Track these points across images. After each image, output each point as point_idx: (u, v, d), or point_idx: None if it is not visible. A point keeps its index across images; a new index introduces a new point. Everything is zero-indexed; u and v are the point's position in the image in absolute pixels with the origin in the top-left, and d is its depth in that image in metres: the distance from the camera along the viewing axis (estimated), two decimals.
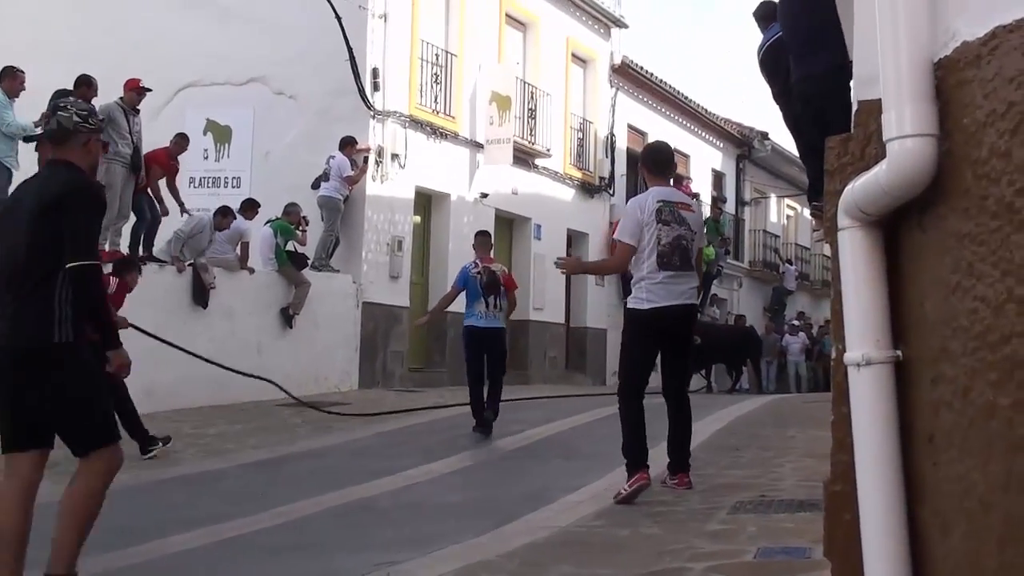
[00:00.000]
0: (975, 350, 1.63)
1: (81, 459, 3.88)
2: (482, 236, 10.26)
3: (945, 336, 1.75)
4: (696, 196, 14.60)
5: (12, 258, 3.87)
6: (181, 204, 12.18)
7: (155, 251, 11.65)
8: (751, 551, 4.21)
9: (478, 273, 9.55)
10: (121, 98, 10.77)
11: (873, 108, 1.91)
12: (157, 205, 11.62)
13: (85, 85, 10.01)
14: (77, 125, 4.03)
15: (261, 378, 11.07)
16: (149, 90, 11.01)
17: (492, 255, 10.32)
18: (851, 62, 2.24)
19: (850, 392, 1.97)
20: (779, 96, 5.85)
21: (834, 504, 2.09)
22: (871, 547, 1.90)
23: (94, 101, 10.09)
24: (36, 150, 4.04)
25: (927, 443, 1.84)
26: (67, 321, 3.80)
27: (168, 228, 12.05)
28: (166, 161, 11.75)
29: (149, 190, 11.44)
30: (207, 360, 10.51)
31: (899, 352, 1.94)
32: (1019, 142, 1.48)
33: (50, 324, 3.79)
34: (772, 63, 5.79)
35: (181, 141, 12.13)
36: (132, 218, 11.25)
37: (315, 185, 13.84)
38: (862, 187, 1.89)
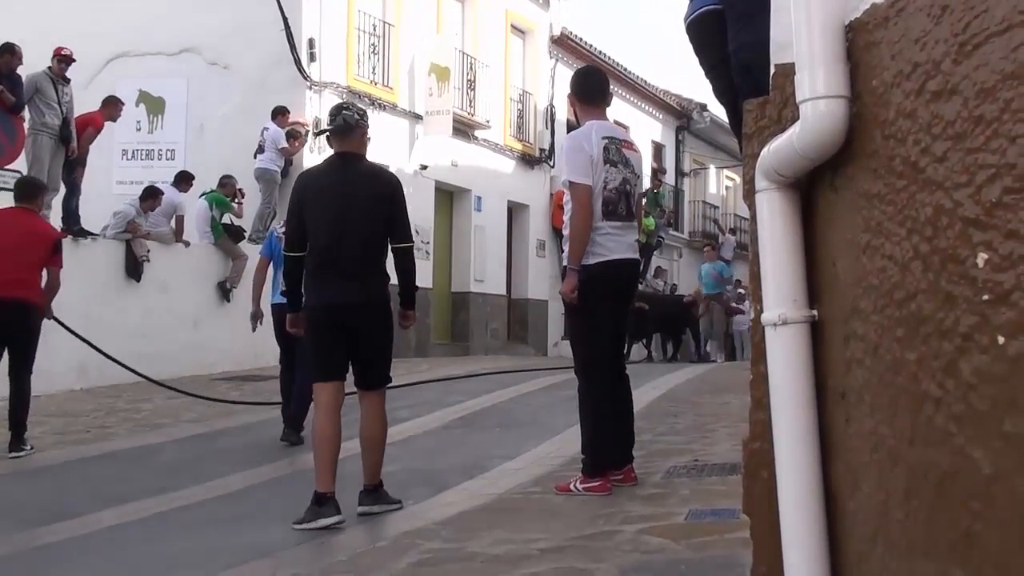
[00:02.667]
0: (884, 307, 1.66)
1: (372, 392, 5.22)
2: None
3: (856, 295, 1.78)
4: None
5: (356, 235, 5.07)
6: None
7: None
8: (683, 513, 4.28)
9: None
10: (49, 67, 10.51)
11: (789, 71, 1.93)
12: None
13: (9, 53, 9.78)
14: (357, 122, 5.25)
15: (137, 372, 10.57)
16: (73, 59, 10.73)
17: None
18: None
19: (767, 351, 2.00)
20: (711, 70, 5.71)
21: (752, 461, 2.13)
22: (787, 503, 1.93)
23: (20, 70, 9.87)
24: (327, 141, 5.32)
25: (840, 400, 1.88)
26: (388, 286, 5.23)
27: (94, 201, 11.79)
28: (101, 124, 11.49)
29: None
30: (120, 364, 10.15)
31: (815, 312, 1.97)
32: (923, 102, 1.50)
33: (386, 287, 5.22)
34: (701, 35, 5.61)
35: (117, 105, 11.76)
36: (62, 190, 11.00)
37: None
38: (777, 149, 1.91)
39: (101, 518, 5.39)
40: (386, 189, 5.26)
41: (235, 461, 7.03)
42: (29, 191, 7.67)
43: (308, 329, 5.23)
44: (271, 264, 7.93)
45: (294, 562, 4.21)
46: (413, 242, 5.48)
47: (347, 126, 5.23)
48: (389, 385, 5.40)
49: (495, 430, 8.09)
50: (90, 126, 11.27)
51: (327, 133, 5.35)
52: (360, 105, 5.74)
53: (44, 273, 7.47)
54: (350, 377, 5.25)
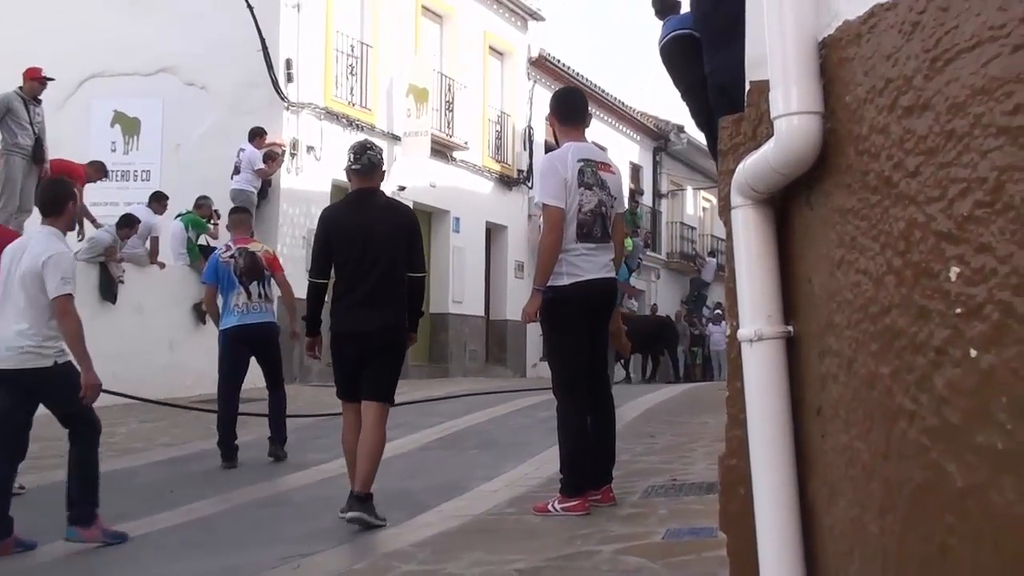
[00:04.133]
0: (858, 322, 1.67)
1: (374, 403, 5.41)
2: (238, 213, 8.68)
3: (831, 310, 1.78)
4: None
5: (377, 266, 5.41)
6: (93, 220, 11.87)
7: None
8: (661, 532, 4.27)
9: (231, 257, 7.82)
10: (20, 87, 10.43)
11: (763, 88, 1.94)
12: None
13: None
14: (380, 161, 5.66)
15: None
16: (51, 79, 10.67)
17: (254, 236, 8.78)
18: None
19: (743, 367, 2.00)
20: (686, 92, 5.71)
21: (729, 478, 2.12)
22: (764, 519, 1.93)
23: None
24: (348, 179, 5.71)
25: (816, 416, 1.88)
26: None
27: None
28: (83, 178, 11.37)
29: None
30: None
31: (790, 327, 1.98)
32: (895, 118, 1.51)
33: (403, 313, 5.55)
34: (674, 58, 5.60)
35: (99, 171, 11.75)
36: (35, 213, 10.92)
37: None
38: (752, 165, 1.92)
39: (76, 545, 5.32)
40: (403, 220, 5.67)
41: (210, 484, 6.96)
42: (61, 199, 6.77)
43: (333, 352, 5.57)
44: (218, 289, 7.83)
45: None
46: (426, 272, 5.85)
47: (372, 165, 5.61)
48: (392, 404, 5.63)
49: (473, 451, 8.05)
50: (74, 177, 11.12)
51: (351, 169, 5.62)
52: (377, 144, 6.08)
53: None
54: None
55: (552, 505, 4.99)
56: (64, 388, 5.37)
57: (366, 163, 5.59)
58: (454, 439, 8.87)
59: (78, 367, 5.37)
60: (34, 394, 5.42)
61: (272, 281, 7.96)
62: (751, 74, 2.08)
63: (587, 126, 5.56)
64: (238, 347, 7.78)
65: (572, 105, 5.50)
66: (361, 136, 15.82)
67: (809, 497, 1.92)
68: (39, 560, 4.99)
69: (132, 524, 5.70)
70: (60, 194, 5.72)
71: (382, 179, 5.80)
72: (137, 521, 5.79)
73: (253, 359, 8.08)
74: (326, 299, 5.69)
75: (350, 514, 5.19)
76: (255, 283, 7.79)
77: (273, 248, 8.77)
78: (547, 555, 4.10)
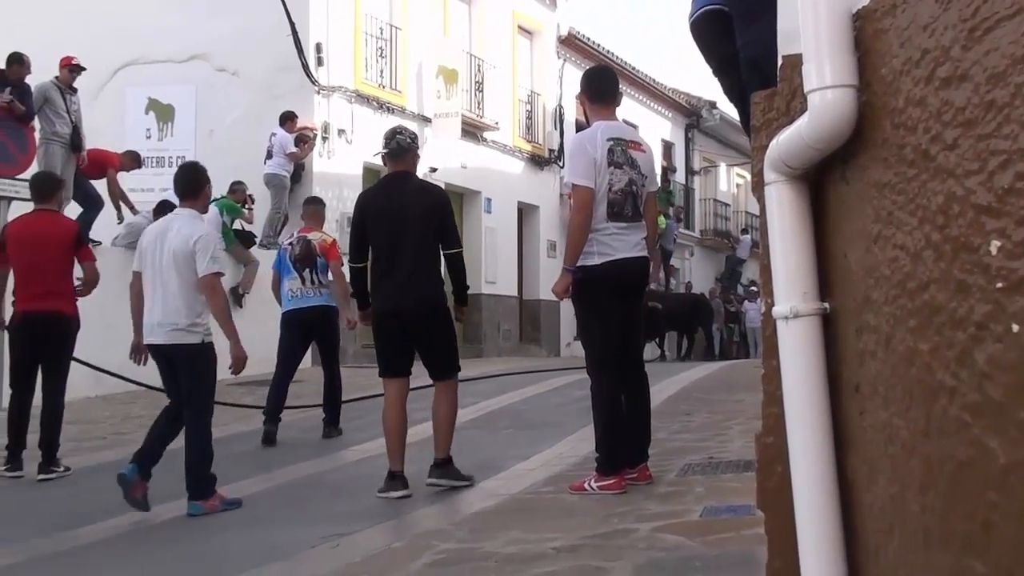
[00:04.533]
0: (896, 298, 1.64)
1: (439, 381, 5.80)
2: (311, 204, 8.88)
3: (868, 286, 1.76)
4: None
5: (411, 246, 5.63)
6: (131, 207, 12.00)
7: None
8: (697, 510, 4.26)
9: (290, 244, 8.25)
10: (56, 77, 10.54)
11: (796, 62, 1.91)
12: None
13: (17, 63, 9.81)
14: (409, 145, 5.85)
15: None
16: (84, 68, 10.77)
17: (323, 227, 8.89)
18: None
19: (779, 345, 1.98)
20: (718, 68, 5.64)
21: (766, 456, 2.11)
22: (802, 497, 1.92)
23: (28, 79, 9.91)
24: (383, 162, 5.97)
25: (854, 393, 1.86)
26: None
27: (104, 210, 11.84)
28: (117, 165, 11.52)
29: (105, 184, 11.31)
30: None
31: (826, 304, 1.96)
32: (933, 89, 1.49)
33: (439, 289, 5.76)
34: (705, 34, 5.53)
35: (134, 161, 11.95)
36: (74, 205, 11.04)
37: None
38: (786, 141, 1.89)
39: (120, 523, 5.41)
40: (434, 200, 5.92)
41: (250, 465, 7.04)
42: (46, 189, 7.11)
43: (374, 330, 5.87)
44: (280, 275, 8.24)
45: (310, 563, 4.21)
46: (462, 247, 6.08)
47: (401, 149, 5.84)
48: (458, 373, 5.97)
49: (508, 431, 8.08)
50: (108, 165, 11.27)
51: (383, 154, 5.89)
52: (411, 128, 6.41)
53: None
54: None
55: (588, 484, 5.01)
56: (202, 366, 5.82)
57: (395, 147, 5.82)
58: (489, 419, 8.90)
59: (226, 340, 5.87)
60: (176, 368, 5.81)
61: (321, 265, 8.13)
62: (784, 48, 2.05)
63: (618, 105, 5.53)
64: (292, 330, 8.12)
65: (603, 84, 5.47)
66: (392, 118, 15.86)
67: (848, 475, 1.90)
68: (79, 543, 5.07)
69: (174, 504, 5.78)
70: (196, 178, 6.12)
71: (415, 162, 5.96)
72: (180, 500, 5.86)
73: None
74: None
75: (429, 480, 5.62)
76: (308, 270, 8.07)
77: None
78: (584, 533, 4.11)
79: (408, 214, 5.67)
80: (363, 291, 5.99)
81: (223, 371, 11.32)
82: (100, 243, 11.27)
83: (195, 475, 5.65)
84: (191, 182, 6.07)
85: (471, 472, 5.84)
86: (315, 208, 8.75)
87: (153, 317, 5.75)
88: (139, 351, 6.00)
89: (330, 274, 8.18)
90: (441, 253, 5.86)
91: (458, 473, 5.69)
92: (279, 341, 8.29)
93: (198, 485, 5.63)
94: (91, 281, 7.15)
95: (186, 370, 5.78)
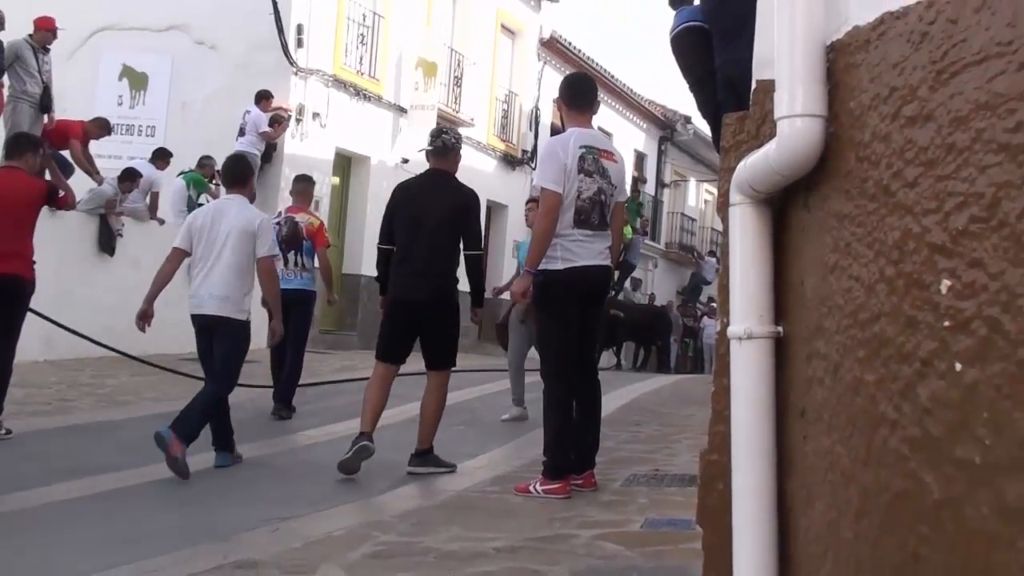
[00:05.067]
0: (847, 328, 1.67)
1: (433, 372, 6.01)
2: (301, 182, 8.70)
3: (822, 314, 1.79)
4: None
5: (432, 241, 5.84)
6: (95, 173, 11.77)
7: None
8: (639, 521, 4.29)
9: (277, 223, 8.03)
10: (30, 35, 10.39)
11: (769, 88, 1.94)
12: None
13: None
14: (453, 145, 6.12)
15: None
16: (62, 29, 10.63)
17: (313, 208, 8.96)
18: None
19: (731, 365, 2.01)
20: (695, 84, 5.66)
21: (709, 473, 2.14)
22: (741, 516, 1.94)
23: (1, 35, 9.76)
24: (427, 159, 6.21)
25: (799, 417, 1.89)
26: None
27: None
28: (81, 136, 11.23)
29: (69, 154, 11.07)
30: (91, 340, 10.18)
31: (780, 328, 1.99)
32: (899, 126, 1.52)
33: (452, 287, 5.97)
34: (685, 49, 5.54)
35: (103, 128, 11.61)
36: None
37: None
38: (753, 164, 1.92)
39: (53, 491, 5.33)
40: (464, 202, 6.09)
41: (195, 442, 6.97)
42: (15, 146, 6.99)
43: (386, 315, 6.04)
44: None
45: (248, 546, 4.18)
46: (483, 250, 6.39)
47: (445, 148, 6.10)
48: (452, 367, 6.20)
49: (459, 427, 8.06)
50: (71, 135, 10.95)
51: (427, 151, 6.15)
52: (456, 129, 6.71)
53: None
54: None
55: (534, 487, 5.03)
56: (240, 342, 6.24)
57: (439, 145, 6.09)
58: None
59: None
60: (217, 340, 6.17)
61: (307, 249, 8.19)
62: (758, 73, 2.08)
63: (594, 113, 5.58)
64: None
65: (581, 91, 5.49)
66: (368, 106, 15.80)
67: (787, 497, 1.93)
68: (8, 508, 4.99)
69: (114, 476, 5.72)
70: (244, 171, 6.65)
71: (457, 162, 6.18)
72: (119, 473, 5.80)
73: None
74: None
75: (409, 468, 5.83)
76: (292, 252, 8.15)
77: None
78: (525, 535, 4.13)
79: (435, 209, 5.86)
80: (385, 275, 6.12)
81: (173, 346, 11.22)
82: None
83: (220, 432, 6.23)
84: (239, 173, 6.56)
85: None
86: (305, 186, 8.67)
87: (207, 289, 6.11)
88: (145, 318, 6.35)
89: (316, 259, 8.25)
90: (462, 253, 6.05)
91: (439, 460, 5.91)
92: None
93: (225, 439, 6.25)
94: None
95: (227, 342, 6.15)
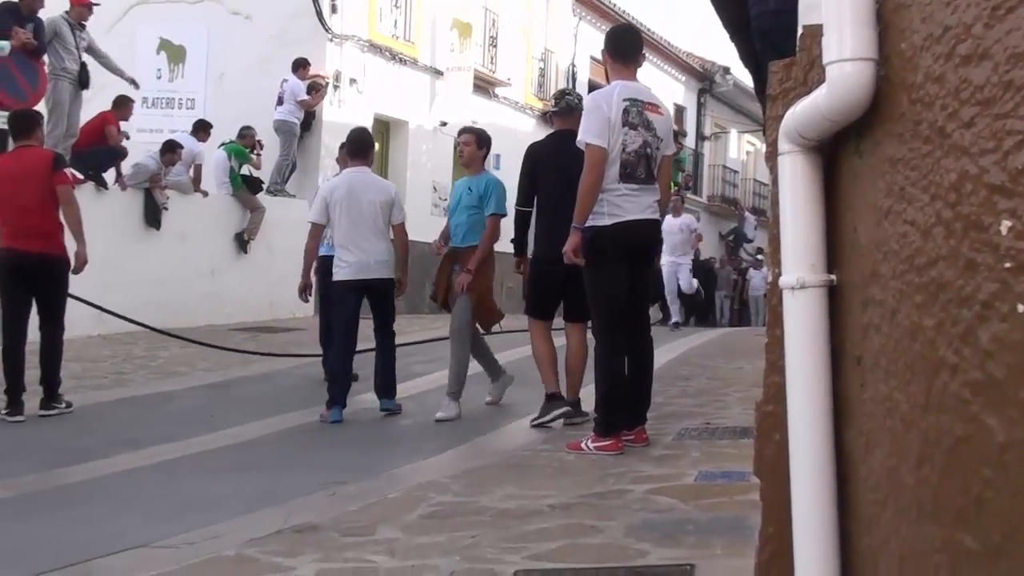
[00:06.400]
0: (903, 273, 1.65)
1: (573, 324, 6.14)
2: (354, 142, 7.41)
3: (876, 260, 1.77)
4: None
5: (570, 198, 5.33)
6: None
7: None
8: (692, 474, 4.30)
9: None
10: (67, 12, 10.47)
11: (816, 32, 1.90)
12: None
13: None
14: (577, 105, 6.17)
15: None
16: (97, 4, 10.70)
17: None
18: None
19: (784, 315, 2.00)
20: (735, 34, 5.58)
21: (765, 424, 2.13)
22: (799, 465, 1.94)
23: (41, 14, 9.84)
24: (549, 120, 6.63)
25: (855, 365, 1.87)
26: None
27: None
28: (115, 122, 11.30)
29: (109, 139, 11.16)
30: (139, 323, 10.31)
31: (833, 276, 1.97)
32: (952, 67, 1.48)
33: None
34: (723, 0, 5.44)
35: (128, 106, 11.58)
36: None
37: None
38: (802, 111, 1.89)
39: (116, 462, 5.47)
40: None
41: (248, 410, 7.09)
42: (24, 124, 7.04)
43: (533, 275, 6.29)
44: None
45: (306, 510, 4.26)
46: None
47: (569, 108, 6.26)
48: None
49: (509, 387, 8.10)
50: (107, 124, 11.06)
51: (552, 112, 6.46)
52: (578, 92, 6.92)
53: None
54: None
55: (586, 443, 5.05)
56: (392, 298, 7.01)
57: (564, 106, 6.31)
58: None
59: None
60: (376, 300, 6.96)
61: None
62: (805, 18, 2.04)
63: (639, 66, 5.50)
64: (321, 278, 7.92)
65: (625, 43, 5.46)
66: (404, 69, 15.77)
67: (845, 445, 1.92)
68: (73, 479, 5.12)
69: (172, 446, 5.84)
70: (366, 141, 7.37)
71: (579, 121, 5.88)
72: (177, 443, 5.92)
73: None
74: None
75: (556, 412, 5.96)
76: None
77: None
78: (579, 492, 4.15)
79: (572, 170, 5.46)
80: (523, 237, 6.41)
81: (220, 317, 11.44)
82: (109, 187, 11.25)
83: (387, 379, 6.86)
84: (363, 144, 7.23)
85: (470, 427, 5.91)
86: (355, 146, 8.42)
87: (372, 256, 6.76)
88: (307, 289, 7.16)
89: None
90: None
91: (581, 410, 6.03)
92: (322, 285, 7.82)
93: (391, 387, 6.87)
94: (66, 204, 6.84)
95: (388, 300, 6.95)
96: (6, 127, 9.37)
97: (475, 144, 6.90)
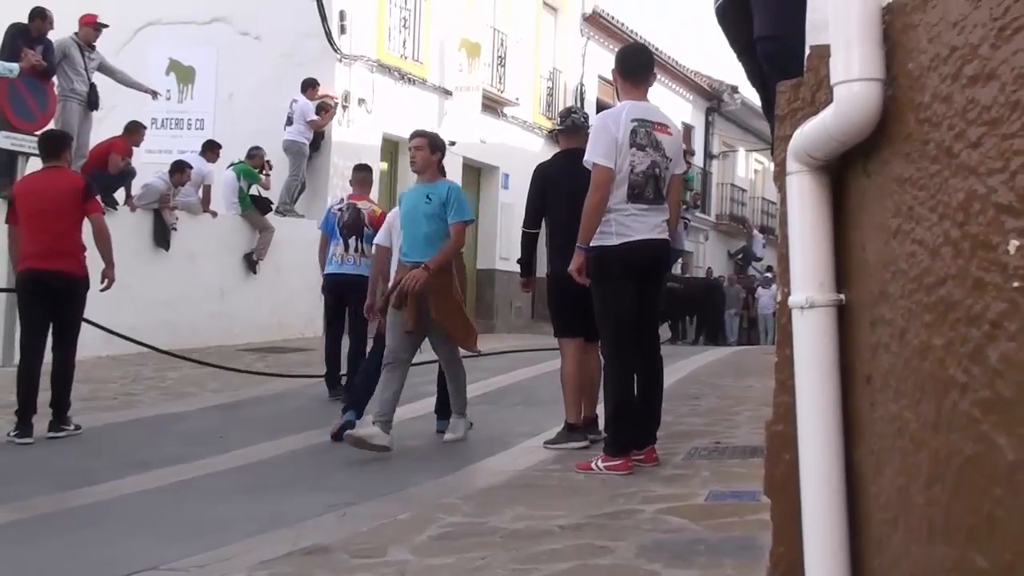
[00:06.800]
0: (912, 292, 1.65)
1: (591, 344, 5.82)
2: (360, 171, 8.78)
3: (885, 279, 1.77)
4: None
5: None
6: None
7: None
8: (703, 494, 4.29)
9: (339, 210, 8.29)
10: (76, 33, 10.56)
11: (824, 53, 1.91)
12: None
13: (40, 18, 9.84)
14: (583, 124, 6.23)
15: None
16: (105, 26, 10.79)
17: (373, 197, 9.15)
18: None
19: (793, 334, 2.00)
20: (742, 53, 5.58)
21: (775, 444, 2.12)
22: (809, 484, 1.93)
23: (50, 35, 9.93)
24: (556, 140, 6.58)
25: (865, 384, 1.87)
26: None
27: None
28: (125, 149, 11.28)
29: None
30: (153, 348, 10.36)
31: (842, 296, 1.97)
32: (960, 87, 1.49)
33: None
34: (729, 20, 5.43)
35: (139, 131, 11.59)
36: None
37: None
38: (810, 131, 1.89)
39: (125, 484, 5.47)
40: None
41: (258, 431, 7.09)
42: (55, 146, 7.10)
43: (554, 294, 5.98)
44: (329, 238, 8.37)
45: (316, 532, 4.25)
46: None
47: (575, 127, 6.25)
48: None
49: (518, 407, 8.12)
50: (114, 152, 10.98)
51: (558, 131, 6.41)
52: (584, 110, 6.93)
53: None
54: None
55: (595, 463, 5.04)
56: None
57: (570, 124, 6.28)
58: (499, 395, 8.94)
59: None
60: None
61: (369, 236, 8.07)
62: (812, 38, 2.05)
63: (650, 85, 5.50)
64: (328, 294, 8.39)
65: (635, 62, 5.45)
66: (413, 90, 15.84)
67: (855, 465, 1.92)
68: (83, 502, 5.12)
69: (181, 467, 5.84)
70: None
71: (586, 140, 5.78)
72: (186, 464, 5.92)
73: None
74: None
75: (573, 445, 5.78)
76: (353, 238, 8.18)
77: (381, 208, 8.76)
78: (589, 512, 4.14)
79: (580, 186, 5.42)
80: (530, 258, 6.31)
81: (229, 337, 11.47)
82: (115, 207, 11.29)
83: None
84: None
85: (480, 447, 5.89)
86: (364, 175, 8.78)
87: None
88: (375, 309, 6.82)
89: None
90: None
91: (572, 437, 5.87)
92: (325, 308, 8.70)
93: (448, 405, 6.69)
94: (103, 237, 6.99)
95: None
96: (15, 149, 9.47)
97: (428, 149, 6.45)
